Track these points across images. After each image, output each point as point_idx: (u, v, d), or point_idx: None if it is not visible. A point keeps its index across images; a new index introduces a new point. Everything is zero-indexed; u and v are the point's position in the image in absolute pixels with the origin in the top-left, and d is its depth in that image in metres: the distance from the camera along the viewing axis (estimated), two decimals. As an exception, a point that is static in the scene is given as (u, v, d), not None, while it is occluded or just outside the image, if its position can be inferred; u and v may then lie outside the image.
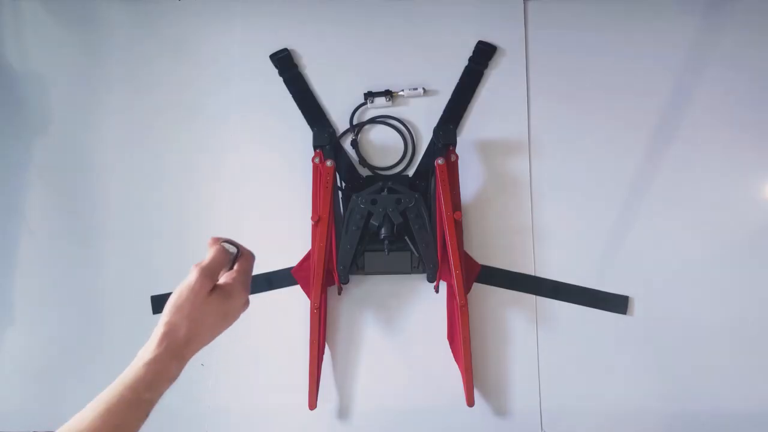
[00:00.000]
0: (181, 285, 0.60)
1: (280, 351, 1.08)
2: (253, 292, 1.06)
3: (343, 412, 1.05)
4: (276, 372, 1.07)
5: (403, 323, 1.08)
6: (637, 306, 1.07)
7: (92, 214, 1.14)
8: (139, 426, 0.55)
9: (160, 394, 0.57)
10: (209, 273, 0.62)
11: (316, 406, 0.99)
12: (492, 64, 1.15)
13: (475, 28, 1.16)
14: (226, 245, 0.65)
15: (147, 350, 0.57)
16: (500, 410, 1.04)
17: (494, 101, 1.14)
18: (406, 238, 1.03)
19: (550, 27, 1.17)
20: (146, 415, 0.55)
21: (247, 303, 0.66)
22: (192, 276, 0.60)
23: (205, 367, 1.08)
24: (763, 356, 1.04)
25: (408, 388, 1.06)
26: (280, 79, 1.17)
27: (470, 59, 1.15)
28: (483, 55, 1.15)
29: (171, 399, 1.03)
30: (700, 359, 1.04)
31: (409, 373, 1.06)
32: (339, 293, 1.06)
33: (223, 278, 0.64)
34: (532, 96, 1.14)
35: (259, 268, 1.08)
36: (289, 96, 1.16)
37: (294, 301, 1.09)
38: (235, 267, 0.66)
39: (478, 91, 1.14)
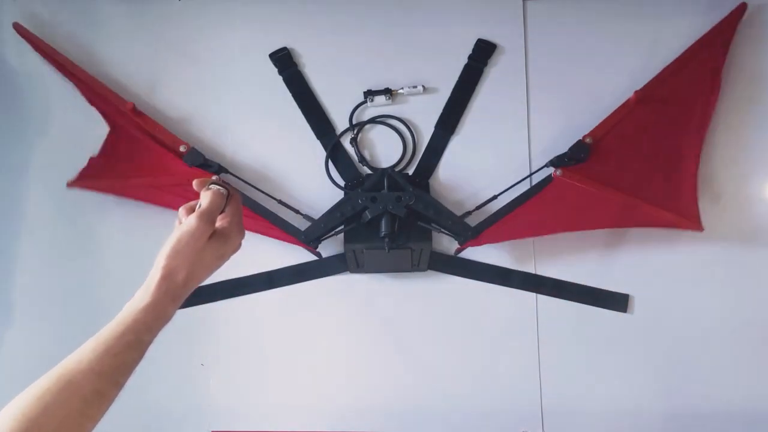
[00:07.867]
0: (181, 230, 0.59)
1: (280, 350, 1.08)
2: (254, 291, 1.08)
3: (343, 412, 1.05)
4: (276, 371, 1.07)
5: (403, 322, 1.08)
6: (637, 304, 1.07)
7: (92, 214, 1.14)
8: (136, 366, 0.55)
9: (156, 335, 0.57)
10: (210, 219, 0.61)
11: None
12: (491, 62, 1.15)
13: (475, 27, 1.16)
14: (218, 187, 0.64)
15: (146, 293, 0.57)
16: (500, 409, 1.04)
17: (494, 99, 1.14)
18: (423, 224, 1.05)
19: (549, 25, 1.16)
20: (143, 355, 0.56)
21: (240, 243, 0.65)
22: (193, 223, 0.59)
23: (205, 366, 1.07)
24: (763, 356, 1.04)
25: (408, 387, 1.06)
26: (280, 78, 1.17)
27: (470, 57, 1.15)
28: (482, 53, 1.15)
29: (171, 399, 1.05)
30: (700, 358, 1.04)
31: (409, 372, 1.06)
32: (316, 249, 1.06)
33: (219, 222, 0.63)
34: (532, 94, 1.14)
35: (259, 267, 1.09)
36: (289, 95, 1.16)
37: (294, 301, 1.09)
38: (227, 210, 0.64)
39: (477, 89, 1.14)
